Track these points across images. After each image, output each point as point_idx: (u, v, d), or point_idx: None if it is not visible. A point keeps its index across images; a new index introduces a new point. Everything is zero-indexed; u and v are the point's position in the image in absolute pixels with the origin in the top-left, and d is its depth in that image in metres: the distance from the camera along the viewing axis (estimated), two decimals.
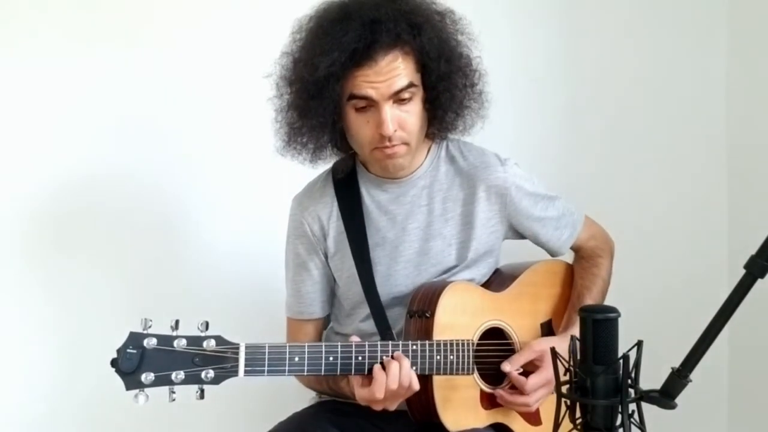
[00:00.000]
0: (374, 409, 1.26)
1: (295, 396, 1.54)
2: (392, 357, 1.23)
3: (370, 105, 1.30)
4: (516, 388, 1.35)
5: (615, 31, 2.04)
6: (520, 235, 1.51)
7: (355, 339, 1.25)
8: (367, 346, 1.23)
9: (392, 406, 1.26)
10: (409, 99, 1.31)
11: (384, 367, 1.22)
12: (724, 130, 2.05)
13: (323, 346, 1.21)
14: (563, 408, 1.04)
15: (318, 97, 1.30)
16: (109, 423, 1.83)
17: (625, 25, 2.04)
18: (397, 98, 1.30)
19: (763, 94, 1.92)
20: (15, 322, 1.83)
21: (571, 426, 1.03)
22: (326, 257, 1.47)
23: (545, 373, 1.33)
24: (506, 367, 1.34)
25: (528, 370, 1.35)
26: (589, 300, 1.47)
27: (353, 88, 1.29)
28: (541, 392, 1.34)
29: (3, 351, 1.83)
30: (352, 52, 1.26)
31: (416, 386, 1.24)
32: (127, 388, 1.10)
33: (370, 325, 1.42)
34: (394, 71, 1.28)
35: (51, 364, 1.85)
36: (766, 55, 1.92)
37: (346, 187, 1.45)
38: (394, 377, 1.21)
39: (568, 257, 1.59)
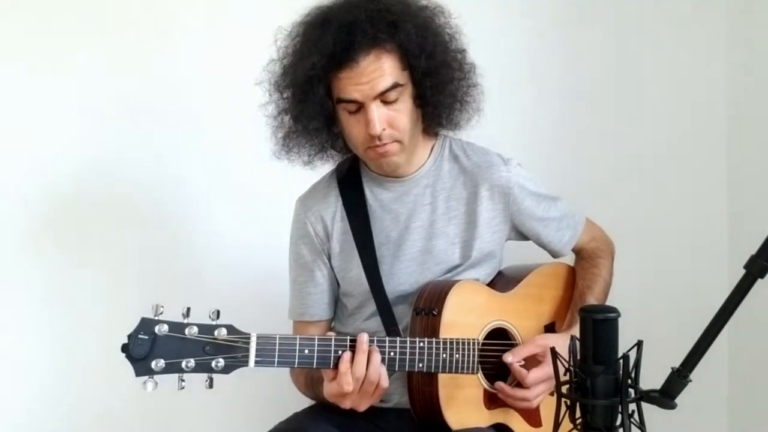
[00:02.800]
0: (342, 407, 1.25)
1: (295, 396, 1.53)
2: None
3: (359, 107, 1.31)
4: (518, 385, 1.35)
5: (615, 31, 2.04)
6: (523, 236, 1.51)
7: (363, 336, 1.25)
8: (376, 341, 1.24)
9: (361, 406, 1.25)
10: (397, 98, 1.32)
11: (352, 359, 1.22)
12: (724, 130, 2.05)
13: (333, 340, 1.21)
14: (563, 408, 1.04)
15: (304, 100, 1.31)
16: (109, 420, 1.83)
17: (625, 24, 2.04)
18: (384, 98, 1.30)
19: (763, 94, 1.93)
20: (20, 311, 1.83)
21: (571, 426, 1.03)
22: (329, 258, 1.47)
23: (547, 368, 1.33)
24: (508, 357, 1.33)
25: (530, 367, 1.35)
26: (591, 299, 1.48)
27: (339, 91, 1.30)
28: (541, 387, 1.34)
29: (8, 342, 1.82)
30: (330, 56, 1.27)
31: (385, 384, 1.23)
32: (137, 374, 1.09)
33: (372, 325, 1.42)
34: (376, 72, 1.28)
35: (57, 365, 1.85)
36: (766, 55, 1.92)
37: (350, 187, 1.46)
38: (360, 365, 1.20)
39: (571, 260, 1.59)
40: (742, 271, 0.98)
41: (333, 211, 1.46)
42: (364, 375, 1.21)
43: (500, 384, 1.34)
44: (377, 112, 1.30)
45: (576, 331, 1.37)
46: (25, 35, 1.80)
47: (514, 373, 1.34)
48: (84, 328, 1.85)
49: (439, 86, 1.35)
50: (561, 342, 1.34)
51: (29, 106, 1.82)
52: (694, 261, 2.05)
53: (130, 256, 1.89)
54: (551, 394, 1.38)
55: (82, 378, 1.84)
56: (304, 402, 1.53)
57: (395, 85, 1.30)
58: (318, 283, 1.48)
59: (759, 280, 0.97)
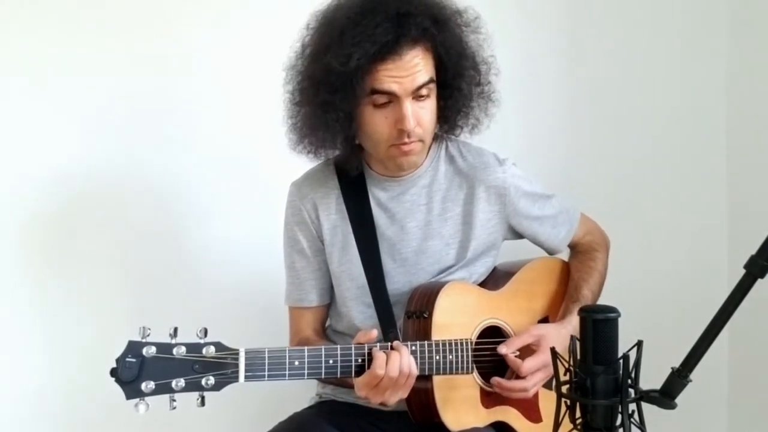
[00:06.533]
0: (373, 401, 1.25)
1: (294, 396, 1.53)
2: (392, 348, 1.24)
3: (389, 100, 1.30)
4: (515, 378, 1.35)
5: (616, 31, 2.04)
6: (519, 235, 1.52)
7: (360, 338, 1.25)
8: (366, 347, 1.23)
9: (392, 399, 1.25)
10: (427, 95, 1.31)
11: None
12: (724, 130, 2.05)
13: (323, 350, 1.21)
14: (563, 408, 1.04)
15: (341, 90, 1.28)
16: (107, 427, 1.82)
17: (626, 25, 2.04)
18: (417, 94, 1.30)
19: (763, 94, 1.92)
20: (9, 330, 1.80)
21: (571, 426, 1.03)
22: (323, 246, 1.46)
23: (542, 357, 1.33)
24: (502, 349, 1.34)
25: (525, 356, 1.35)
26: (587, 290, 1.48)
27: (375, 82, 1.28)
28: (538, 376, 1.34)
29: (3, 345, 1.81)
30: (381, 45, 1.25)
31: (415, 371, 1.24)
32: (128, 398, 1.10)
33: (367, 324, 1.41)
34: (416, 66, 1.28)
35: (47, 373, 1.83)
36: (766, 55, 1.92)
37: (352, 184, 1.45)
38: (395, 364, 1.21)
39: (564, 254, 1.59)
40: (742, 271, 0.98)
41: (330, 203, 1.45)
42: (398, 372, 1.21)
43: (496, 378, 1.34)
44: (410, 108, 1.29)
45: (570, 321, 1.39)
46: (25, 34, 1.79)
47: (510, 363, 1.34)
48: (81, 339, 1.82)
49: (464, 89, 1.35)
50: (555, 332, 1.36)
51: (31, 110, 1.80)
52: (694, 261, 2.04)
53: (127, 266, 1.87)
54: (548, 387, 1.39)
55: (82, 389, 1.82)
56: (303, 402, 1.53)
57: (430, 81, 1.30)
58: (314, 269, 1.47)
59: (759, 280, 0.97)
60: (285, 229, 1.50)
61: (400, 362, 1.21)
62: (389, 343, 1.25)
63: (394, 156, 1.36)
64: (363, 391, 1.24)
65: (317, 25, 1.35)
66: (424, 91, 1.30)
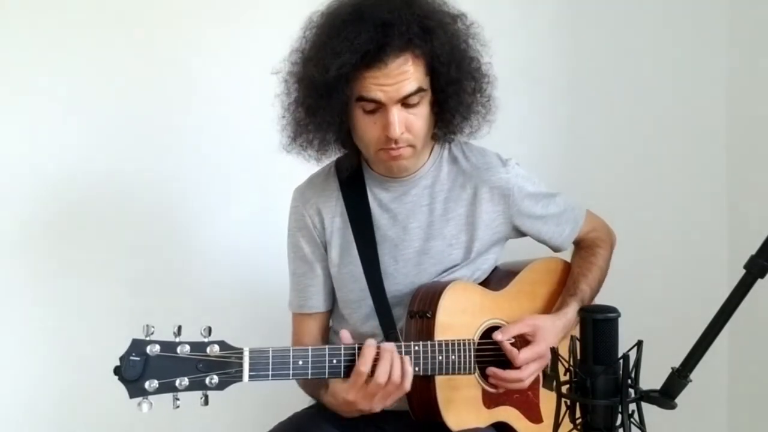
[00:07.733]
0: (361, 407, 1.23)
1: (294, 396, 1.53)
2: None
3: (378, 107, 1.30)
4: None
5: (616, 31, 2.04)
6: (523, 234, 1.51)
7: (346, 336, 1.24)
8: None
9: (377, 407, 1.24)
10: (418, 103, 1.31)
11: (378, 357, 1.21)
12: (724, 130, 2.05)
13: (326, 350, 1.21)
14: (563, 408, 1.04)
15: (326, 96, 1.29)
16: (107, 427, 1.82)
17: (626, 25, 2.04)
18: (406, 102, 1.30)
19: (763, 94, 1.93)
20: (12, 328, 1.81)
21: (571, 426, 1.03)
22: (326, 251, 1.47)
23: (537, 348, 1.34)
24: (497, 336, 1.34)
25: (520, 347, 1.35)
26: (585, 285, 1.48)
27: (362, 89, 1.28)
28: (533, 366, 1.34)
29: (0, 358, 1.82)
30: (362, 55, 1.25)
31: (407, 386, 1.22)
32: (131, 396, 1.09)
33: (369, 327, 1.42)
34: (403, 75, 1.27)
35: (51, 371, 1.83)
36: (766, 55, 1.92)
37: (351, 184, 1.45)
38: (383, 369, 1.20)
39: (566, 255, 1.59)
40: (742, 271, 0.98)
41: (332, 206, 1.45)
42: (387, 379, 1.20)
43: (492, 369, 1.34)
44: (397, 115, 1.29)
45: (566, 314, 1.40)
46: (23, 36, 1.79)
47: (505, 351, 1.34)
48: (85, 337, 1.83)
49: (460, 95, 1.35)
50: (549, 324, 1.37)
51: (32, 110, 1.81)
52: (694, 261, 2.05)
53: (132, 264, 1.88)
54: (549, 389, 1.39)
55: (85, 388, 1.82)
56: (304, 402, 1.53)
57: (419, 90, 1.30)
58: (317, 275, 1.47)
59: (759, 280, 0.97)
60: (288, 236, 1.50)
61: (391, 369, 1.20)
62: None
63: (384, 160, 1.36)
64: (351, 394, 1.22)
65: (308, 28, 1.35)
66: (414, 99, 1.30)
